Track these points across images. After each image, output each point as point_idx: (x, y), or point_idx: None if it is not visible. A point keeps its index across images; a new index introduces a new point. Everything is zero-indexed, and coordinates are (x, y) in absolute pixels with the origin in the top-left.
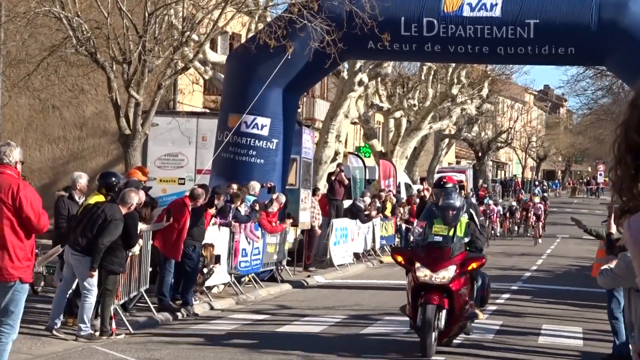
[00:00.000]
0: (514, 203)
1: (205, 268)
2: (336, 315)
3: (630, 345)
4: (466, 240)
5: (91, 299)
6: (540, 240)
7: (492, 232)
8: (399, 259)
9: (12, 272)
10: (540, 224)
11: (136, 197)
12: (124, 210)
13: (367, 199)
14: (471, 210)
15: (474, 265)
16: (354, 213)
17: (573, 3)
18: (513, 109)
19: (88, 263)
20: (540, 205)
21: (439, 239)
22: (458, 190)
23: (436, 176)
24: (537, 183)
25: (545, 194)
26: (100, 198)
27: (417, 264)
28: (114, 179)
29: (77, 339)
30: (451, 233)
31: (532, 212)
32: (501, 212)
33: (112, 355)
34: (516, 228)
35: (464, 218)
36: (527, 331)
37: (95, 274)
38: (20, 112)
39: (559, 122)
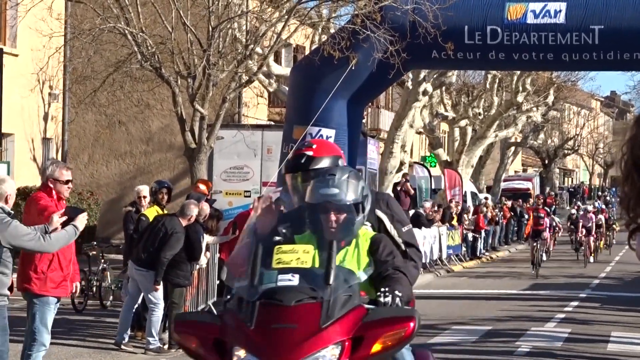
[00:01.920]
0: (574, 211)
1: None
2: None
3: None
4: (364, 277)
5: (158, 313)
6: (592, 259)
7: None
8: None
9: (24, 285)
10: (592, 238)
11: (195, 209)
12: (184, 223)
13: (428, 204)
14: (380, 213)
15: (382, 343)
16: (417, 222)
17: (638, 8)
18: (579, 116)
19: (152, 277)
20: (592, 216)
21: (291, 280)
22: (349, 171)
23: (502, 185)
24: (599, 194)
25: (606, 205)
26: (155, 210)
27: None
28: (165, 185)
29: (146, 352)
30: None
31: (581, 224)
32: (554, 224)
33: None
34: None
35: (365, 230)
36: (596, 339)
37: (160, 287)
38: (87, 128)
39: (627, 127)
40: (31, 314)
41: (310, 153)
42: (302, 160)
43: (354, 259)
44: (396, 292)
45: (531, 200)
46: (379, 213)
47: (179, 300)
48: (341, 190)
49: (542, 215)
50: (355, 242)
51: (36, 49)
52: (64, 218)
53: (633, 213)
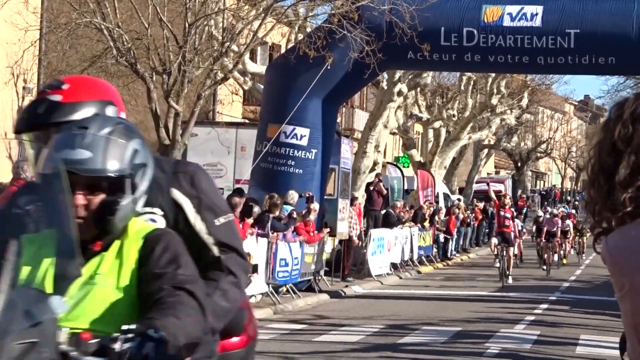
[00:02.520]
0: (541, 213)
1: None
2: (374, 325)
3: None
4: (64, 308)
5: None
6: (557, 266)
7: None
8: None
9: None
10: (557, 243)
11: None
12: None
13: (399, 203)
14: (178, 195)
15: None
16: (387, 221)
17: (614, 13)
18: (553, 119)
19: None
20: (557, 221)
21: None
22: (114, 123)
23: (475, 186)
24: (568, 199)
25: (575, 210)
26: None
27: None
28: None
29: None
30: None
31: (546, 229)
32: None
33: None
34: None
35: (142, 223)
36: (565, 341)
37: None
38: None
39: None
40: None
41: (56, 98)
42: (42, 110)
43: (112, 274)
44: (150, 333)
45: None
46: (176, 195)
47: None
48: (96, 154)
49: (509, 216)
50: (119, 244)
51: (11, 42)
52: None
53: (598, 217)
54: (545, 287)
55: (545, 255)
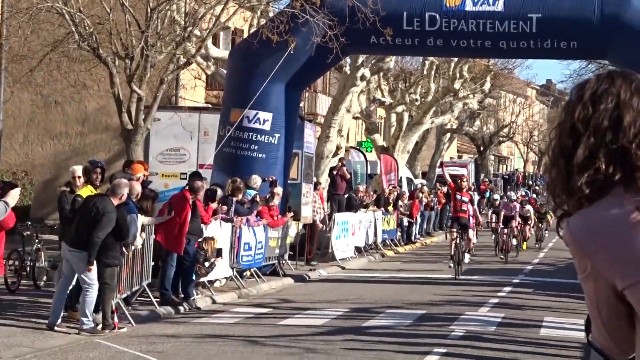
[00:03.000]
0: (497, 196)
1: (206, 262)
2: (338, 309)
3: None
4: None
5: (92, 293)
6: (516, 253)
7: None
8: None
9: None
10: (515, 228)
11: (126, 188)
12: (115, 202)
13: (361, 187)
14: None
15: None
16: (351, 206)
17: None
18: (515, 104)
19: (85, 257)
20: (515, 205)
21: None
22: None
23: (437, 170)
24: (529, 183)
25: (536, 195)
26: (89, 190)
27: None
28: (99, 165)
29: (80, 332)
30: None
31: (503, 214)
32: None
33: (115, 348)
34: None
35: None
36: (529, 323)
37: (94, 268)
38: (22, 108)
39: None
40: None
41: None
42: None
43: None
44: None
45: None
46: None
47: (110, 281)
48: None
49: (467, 199)
50: None
51: None
52: None
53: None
54: (509, 270)
55: (502, 241)
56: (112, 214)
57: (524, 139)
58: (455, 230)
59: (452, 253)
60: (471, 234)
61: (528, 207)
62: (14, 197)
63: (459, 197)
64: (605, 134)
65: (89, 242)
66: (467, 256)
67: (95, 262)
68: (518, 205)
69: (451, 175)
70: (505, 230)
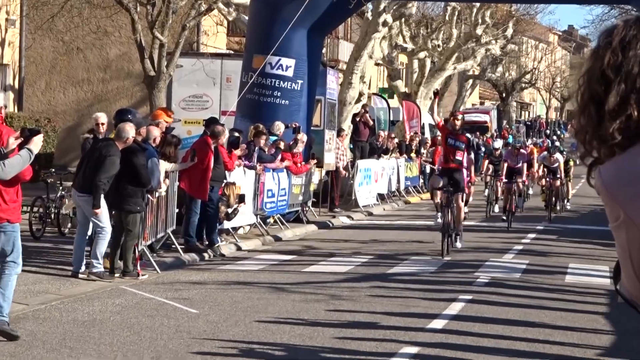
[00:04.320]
0: (498, 145)
1: (229, 208)
2: (362, 256)
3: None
4: None
5: (105, 236)
6: (521, 209)
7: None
8: None
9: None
10: (521, 183)
11: (132, 131)
12: (120, 146)
13: (383, 133)
14: None
15: None
16: (372, 151)
17: None
18: (537, 50)
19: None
20: (523, 152)
21: None
22: None
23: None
24: (547, 132)
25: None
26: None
27: None
28: (129, 115)
29: (89, 275)
30: None
31: (506, 165)
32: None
33: (140, 295)
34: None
35: None
36: (554, 270)
37: (103, 211)
38: (44, 55)
39: (583, 61)
40: (9, 240)
41: None
42: None
43: None
44: None
45: (488, 134)
46: None
47: (133, 227)
48: None
49: (462, 145)
50: None
51: None
52: (20, 140)
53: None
54: (533, 217)
55: (504, 198)
56: (115, 157)
57: (546, 85)
58: (440, 187)
59: (437, 207)
60: (460, 198)
61: (557, 155)
62: (37, 143)
63: (452, 141)
64: (636, 80)
65: (93, 185)
66: (459, 240)
67: (106, 207)
68: (526, 155)
69: (472, 122)
70: (510, 187)
